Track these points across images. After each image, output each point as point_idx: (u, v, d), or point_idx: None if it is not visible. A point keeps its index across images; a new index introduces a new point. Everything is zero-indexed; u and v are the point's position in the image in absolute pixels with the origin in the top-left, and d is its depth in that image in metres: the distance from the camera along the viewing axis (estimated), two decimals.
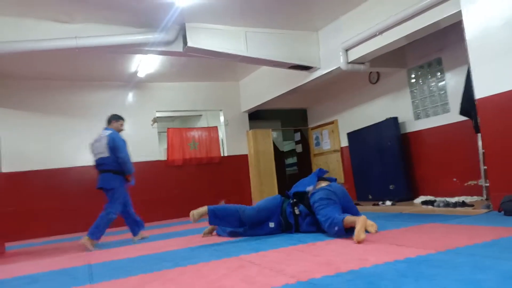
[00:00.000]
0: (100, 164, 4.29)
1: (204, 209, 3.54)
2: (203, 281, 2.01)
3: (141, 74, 7.12)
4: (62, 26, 4.79)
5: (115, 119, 4.50)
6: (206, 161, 7.98)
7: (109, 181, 4.20)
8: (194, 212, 3.51)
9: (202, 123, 9.15)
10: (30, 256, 3.97)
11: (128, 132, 7.47)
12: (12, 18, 4.65)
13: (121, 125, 4.54)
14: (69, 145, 7.01)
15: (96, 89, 7.38)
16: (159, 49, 5.19)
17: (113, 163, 4.21)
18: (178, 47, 5.23)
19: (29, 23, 4.74)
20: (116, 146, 4.20)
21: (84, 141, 7.08)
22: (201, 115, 9.21)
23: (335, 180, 3.45)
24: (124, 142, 4.29)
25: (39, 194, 6.66)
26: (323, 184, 3.32)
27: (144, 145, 7.55)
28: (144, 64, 6.72)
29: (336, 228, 2.84)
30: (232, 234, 3.69)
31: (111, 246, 4.10)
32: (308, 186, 3.30)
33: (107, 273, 2.50)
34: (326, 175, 3.52)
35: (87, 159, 7.03)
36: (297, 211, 3.29)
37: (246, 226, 3.52)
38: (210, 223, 3.64)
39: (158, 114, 7.88)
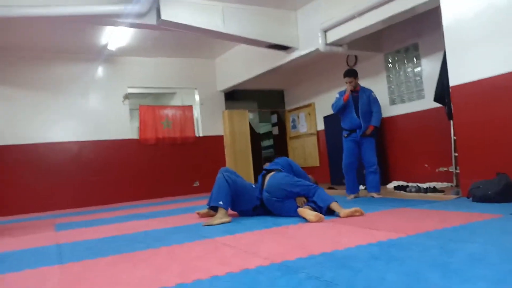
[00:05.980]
0: None
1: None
2: (176, 262, 1.97)
3: (112, 47, 6.78)
4: None
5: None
6: (181, 141, 7.84)
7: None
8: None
9: (176, 101, 8.95)
10: None
11: (99, 108, 7.31)
12: None
13: (346, 82, 4.64)
14: (37, 120, 6.71)
15: (66, 62, 7.02)
16: (131, 21, 4.95)
17: None
18: (151, 19, 5.01)
19: None
20: None
21: (53, 116, 6.89)
22: (175, 93, 9.00)
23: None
24: (335, 101, 4.68)
25: (6, 170, 6.38)
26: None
27: (115, 123, 7.32)
28: (116, 37, 6.40)
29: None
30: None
31: (80, 226, 3.98)
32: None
33: (77, 254, 2.42)
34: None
35: (57, 136, 6.87)
36: None
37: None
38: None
39: (129, 90, 7.61)
